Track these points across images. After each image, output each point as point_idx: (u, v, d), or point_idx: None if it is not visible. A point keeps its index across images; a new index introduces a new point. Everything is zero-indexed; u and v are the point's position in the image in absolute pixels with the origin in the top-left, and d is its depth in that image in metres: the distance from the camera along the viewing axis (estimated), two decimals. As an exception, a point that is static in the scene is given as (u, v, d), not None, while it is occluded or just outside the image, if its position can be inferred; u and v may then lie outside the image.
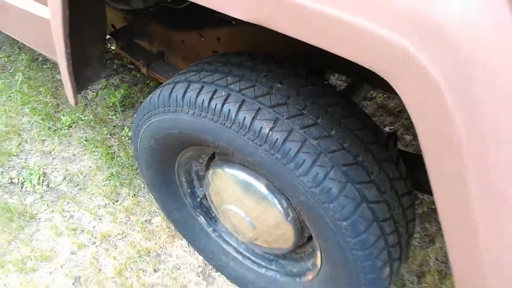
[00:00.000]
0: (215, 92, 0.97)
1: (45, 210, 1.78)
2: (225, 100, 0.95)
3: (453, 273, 0.67)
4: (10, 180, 1.88)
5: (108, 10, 1.58)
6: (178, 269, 1.57)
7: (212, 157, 1.29)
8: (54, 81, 2.34)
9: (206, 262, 1.56)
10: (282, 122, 0.90)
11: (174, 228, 1.65)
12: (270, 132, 0.90)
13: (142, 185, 1.84)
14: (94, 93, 2.29)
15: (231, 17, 1.52)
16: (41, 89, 2.27)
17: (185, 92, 1.01)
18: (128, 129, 2.05)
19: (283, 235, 1.17)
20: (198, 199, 1.42)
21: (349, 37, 0.56)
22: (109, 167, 1.91)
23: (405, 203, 1.01)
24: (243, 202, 1.18)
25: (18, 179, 1.88)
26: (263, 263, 1.39)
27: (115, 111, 2.17)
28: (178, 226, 1.51)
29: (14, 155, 1.99)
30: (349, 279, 1.02)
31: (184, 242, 1.64)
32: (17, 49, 2.58)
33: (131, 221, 1.72)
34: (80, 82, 1.28)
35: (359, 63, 0.57)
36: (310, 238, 1.21)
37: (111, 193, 1.82)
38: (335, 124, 0.94)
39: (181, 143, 1.16)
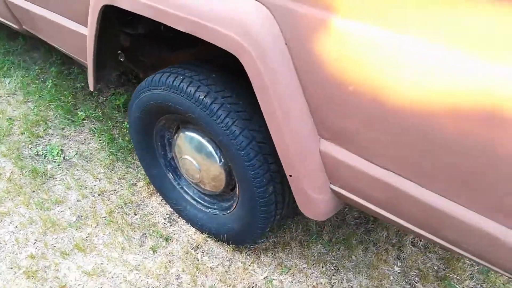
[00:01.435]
0: (184, 78, 1.67)
1: (61, 173, 2.44)
2: (189, 84, 1.65)
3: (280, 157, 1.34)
4: (36, 152, 2.56)
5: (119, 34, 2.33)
6: (152, 214, 2.21)
7: (177, 128, 1.98)
8: (75, 88, 3.08)
9: (172, 210, 2.19)
10: (212, 93, 1.60)
11: (152, 186, 2.30)
12: (204, 98, 1.59)
13: (132, 161, 2.51)
14: (104, 98, 3.01)
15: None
16: (65, 92, 3.00)
17: (167, 78, 1.72)
18: (127, 123, 2.75)
19: (218, 176, 1.83)
20: (168, 159, 2.09)
21: (218, 34, 1.26)
22: (110, 148, 2.59)
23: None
24: (194, 154, 1.85)
25: (42, 152, 2.56)
26: (209, 205, 2.03)
27: (119, 111, 2.88)
28: (154, 180, 2.16)
29: (40, 136, 2.68)
30: (249, 193, 1.66)
31: (159, 198, 2.29)
32: (48, 64, 3.34)
33: (121, 183, 2.38)
34: (99, 77, 1.99)
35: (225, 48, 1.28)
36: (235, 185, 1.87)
37: (109, 164, 2.49)
38: (235, 94, 1.62)
39: (158, 112, 1.84)
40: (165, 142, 2.05)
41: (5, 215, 2.19)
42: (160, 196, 2.26)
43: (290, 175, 1.39)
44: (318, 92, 1.19)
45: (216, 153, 1.79)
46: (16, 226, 2.14)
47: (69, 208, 2.23)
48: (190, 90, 1.61)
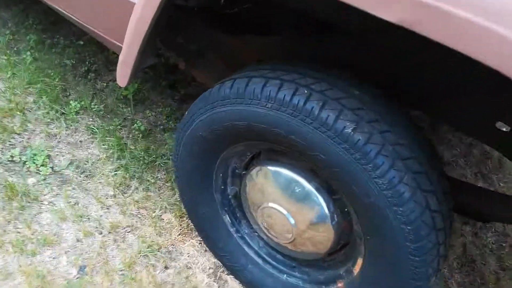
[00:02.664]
0: (296, 89, 1.01)
1: (49, 193, 1.69)
2: (308, 98, 0.99)
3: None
4: (11, 157, 1.78)
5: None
6: (189, 268, 1.54)
7: (252, 157, 1.32)
8: (63, 66, 2.27)
9: (221, 263, 1.54)
10: (363, 124, 0.96)
11: (188, 225, 1.63)
12: (352, 132, 0.95)
13: (153, 180, 1.80)
14: (104, 84, 2.24)
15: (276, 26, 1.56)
16: (50, 71, 2.19)
17: (263, 87, 1.05)
18: (140, 123, 2.02)
19: (323, 238, 1.20)
20: (229, 197, 1.43)
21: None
22: (118, 158, 1.86)
23: (450, 216, 1.08)
24: (289, 202, 1.20)
25: (20, 158, 1.79)
26: (285, 269, 1.40)
27: (126, 104, 2.13)
28: (198, 222, 1.49)
29: (16, 133, 1.89)
30: (394, 285, 1.06)
31: (195, 241, 1.62)
32: (23, 29, 2.49)
33: (141, 214, 1.68)
34: (139, 67, 1.27)
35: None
36: (343, 245, 1.25)
37: (120, 184, 1.77)
38: (404, 134, 1.00)
39: (238, 136, 1.17)
40: (228, 173, 1.39)
41: (-36, 261, 1.44)
42: (201, 241, 1.60)
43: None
44: None
45: (329, 209, 1.16)
46: (-18, 282, 1.40)
47: (66, 253, 1.52)
48: (327, 117, 0.97)
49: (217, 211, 1.44)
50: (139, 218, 1.66)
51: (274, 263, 1.42)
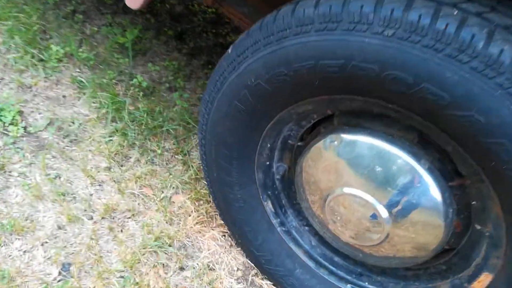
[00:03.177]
0: (438, 9, 0.61)
1: (20, 161, 1.26)
2: (462, 22, 0.59)
3: None
4: (-31, 112, 1.33)
5: None
6: (212, 269, 1.15)
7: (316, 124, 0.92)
8: (43, 3, 1.79)
9: (254, 265, 1.15)
10: None
11: (208, 211, 1.23)
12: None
13: (159, 151, 1.39)
14: (96, 28, 1.78)
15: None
16: (25, 7, 1.71)
17: (379, 2, 0.64)
18: (142, 78, 1.59)
19: (425, 241, 0.83)
20: (274, 177, 1.03)
21: None
22: (114, 121, 1.43)
23: None
24: (379, 188, 0.82)
25: (-18, 113, 1.34)
26: (348, 277, 1.03)
27: (123, 54, 1.68)
28: (228, 208, 1.09)
29: (-23, 81, 1.43)
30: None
31: (218, 233, 1.22)
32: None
33: (144, 195, 1.27)
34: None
35: None
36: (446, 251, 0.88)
37: (116, 153, 1.35)
38: None
39: (312, 86, 0.77)
40: (277, 144, 0.98)
41: None
42: (226, 233, 1.21)
43: None
44: None
45: (444, 199, 0.78)
46: None
47: (42, 245, 1.10)
48: (499, 52, 0.57)
49: (256, 195, 1.04)
50: (142, 200, 1.25)
51: (331, 267, 1.05)
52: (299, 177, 0.97)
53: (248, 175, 1.01)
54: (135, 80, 1.58)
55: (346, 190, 0.86)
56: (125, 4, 1.04)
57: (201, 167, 1.11)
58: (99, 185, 1.26)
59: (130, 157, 1.36)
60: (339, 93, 0.75)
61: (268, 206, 1.06)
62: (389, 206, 0.81)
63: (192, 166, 1.36)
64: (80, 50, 1.63)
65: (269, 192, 1.05)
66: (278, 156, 1.01)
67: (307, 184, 0.96)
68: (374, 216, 0.84)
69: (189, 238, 1.19)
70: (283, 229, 1.07)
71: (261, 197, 1.05)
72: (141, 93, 1.54)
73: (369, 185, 0.82)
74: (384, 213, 0.82)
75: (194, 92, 1.66)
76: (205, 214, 1.25)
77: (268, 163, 1.00)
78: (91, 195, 1.23)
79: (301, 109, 0.86)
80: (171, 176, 1.33)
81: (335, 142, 0.86)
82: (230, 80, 0.87)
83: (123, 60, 1.66)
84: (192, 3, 2.09)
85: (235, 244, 1.19)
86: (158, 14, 1.99)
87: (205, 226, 1.23)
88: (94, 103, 1.47)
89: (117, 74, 1.60)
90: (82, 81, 1.51)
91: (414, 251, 0.86)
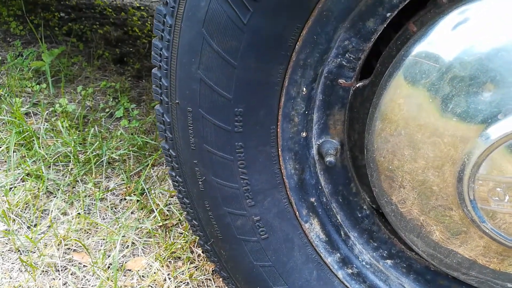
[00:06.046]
0: None
1: None
2: None
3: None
4: None
5: None
6: None
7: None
8: None
9: None
10: None
11: (214, 270, 0.68)
12: None
13: (98, 194, 0.84)
14: (-1, 56, 1.29)
15: None
16: None
17: None
18: (66, 102, 1.08)
19: None
20: (317, 169, 0.53)
21: None
22: (23, 159, 0.89)
23: None
24: None
25: None
26: None
27: (42, 81, 1.19)
28: (240, 255, 0.56)
29: None
30: None
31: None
32: None
33: (75, 265, 0.70)
34: None
35: None
36: None
37: (24, 208, 0.79)
38: None
39: None
40: (315, 93, 0.50)
41: None
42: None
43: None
44: None
45: None
46: None
47: None
48: None
49: (287, 213, 0.53)
50: (73, 274, 0.69)
51: None
52: (393, 143, 0.47)
53: (269, 169, 0.51)
54: (57, 106, 1.07)
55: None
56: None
57: (176, 197, 0.60)
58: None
59: (47, 211, 0.80)
60: None
61: (313, 230, 0.54)
62: None
63: (155, 208, 0.82)
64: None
65: (312, 201, 0.53)
66: (319, 121, 0.52)
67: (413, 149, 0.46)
68: None
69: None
70: (349, 272, 0.55)
71: (297, 214, 0.53)
72: (67, 122, 1.02)
73: None
74: None
75: (145, 116, 1.17)
76: (189, 280, 0.69)
77: (302, 136, 0.51)
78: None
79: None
80: (121, 228, 0.78)
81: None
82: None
83: (38, 87, 1.16)
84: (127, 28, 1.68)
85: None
86: (89, 40, 1.54)
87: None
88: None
89: (30, 105, 1.09)
90: None
91: None
